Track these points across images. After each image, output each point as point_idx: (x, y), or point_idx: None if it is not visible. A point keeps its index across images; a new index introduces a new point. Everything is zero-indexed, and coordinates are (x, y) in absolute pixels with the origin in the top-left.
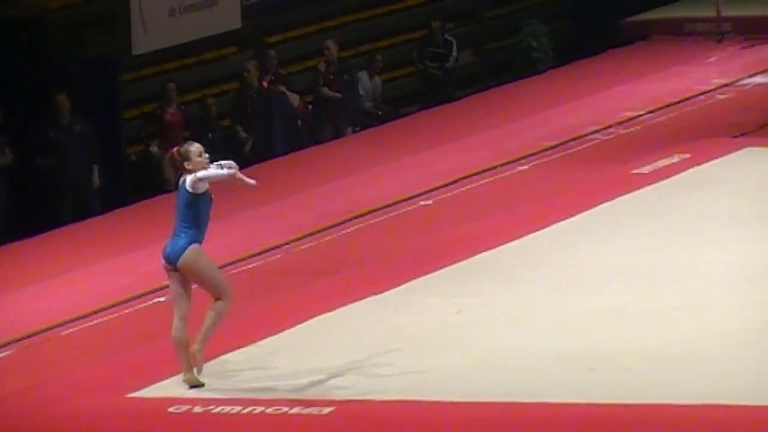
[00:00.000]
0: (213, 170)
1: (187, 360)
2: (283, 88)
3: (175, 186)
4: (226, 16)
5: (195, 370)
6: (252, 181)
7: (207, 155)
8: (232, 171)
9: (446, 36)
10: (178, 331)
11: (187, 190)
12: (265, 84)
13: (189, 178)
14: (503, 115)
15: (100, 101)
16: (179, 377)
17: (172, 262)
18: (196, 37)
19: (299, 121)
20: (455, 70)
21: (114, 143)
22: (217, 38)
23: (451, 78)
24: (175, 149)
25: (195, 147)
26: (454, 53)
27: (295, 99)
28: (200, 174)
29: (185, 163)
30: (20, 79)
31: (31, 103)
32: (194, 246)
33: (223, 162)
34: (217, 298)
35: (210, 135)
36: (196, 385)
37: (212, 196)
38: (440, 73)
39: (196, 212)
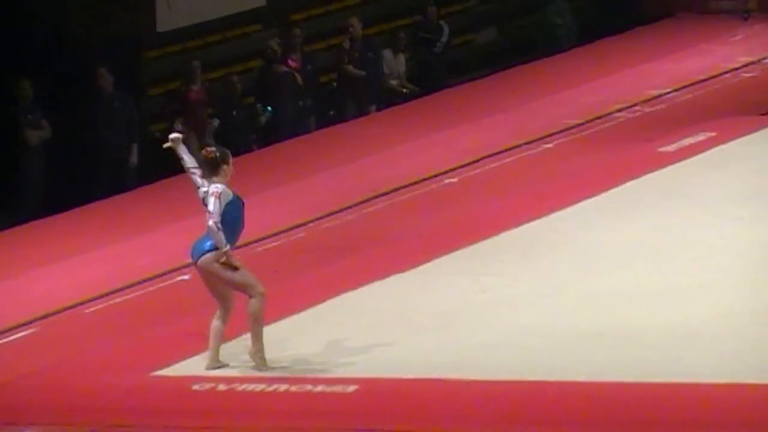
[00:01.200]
0: (219, 234)
1: (213, 349)
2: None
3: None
4: None
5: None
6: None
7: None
8: (227, 250)
9: (440, 21)
10: (215, 318)
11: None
12: (291, 62)
13: (212, 189)
14: (528, 93)
15: (124, 79)
16: (203, 355)
17: (195, 259)
18: (220, 14)
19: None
20: (446, 55)
21: (139, 121)
22: (241, 16)
23: (442, 63)
24: (212, 149)
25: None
26: (443, 39)
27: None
28: (211, 224)
29: (224, 166)
30: (50, 55)
31: (65, 78)
32: (217, 253)
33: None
34: (249, 296)
35: (234, 113)
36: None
37: (243, 200)
38: (429, 58)
39: (223, 218)
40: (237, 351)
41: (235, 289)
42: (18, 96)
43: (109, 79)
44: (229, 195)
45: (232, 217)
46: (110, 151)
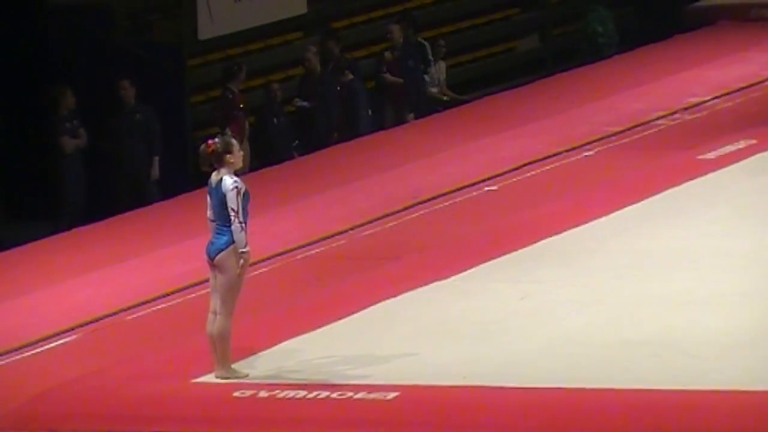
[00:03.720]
0: (241, 234)
1: (217, 355)
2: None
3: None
4: (291, 2)
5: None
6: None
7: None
8: (246, 252)
9: (420, 40)
10: (210, 324)
11: (223, 191)
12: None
13: (229, 185)
14: (569, 100)
15: (166, 87)
16: (244, 362)
17: (212, 258)
18: (262, 22)
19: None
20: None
21: (179, 129)
22: (283, 23)
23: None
24: (212, 140)
25: (234, 140)
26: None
27: None
28: (236, 225)
29: (227, 155)
30: (89, 66)
31: (100, 89)
32: (235, 247)
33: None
34: (215, 311)
35: (275, 120)
36: (228, 378)
37: (250, 193)
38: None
39: None
40: (278, 356)
41: (219, 291)
42: (58, 104)
43: (132, 92)
44: (244, 187)
45: (244, 211)
46: (129, 164)
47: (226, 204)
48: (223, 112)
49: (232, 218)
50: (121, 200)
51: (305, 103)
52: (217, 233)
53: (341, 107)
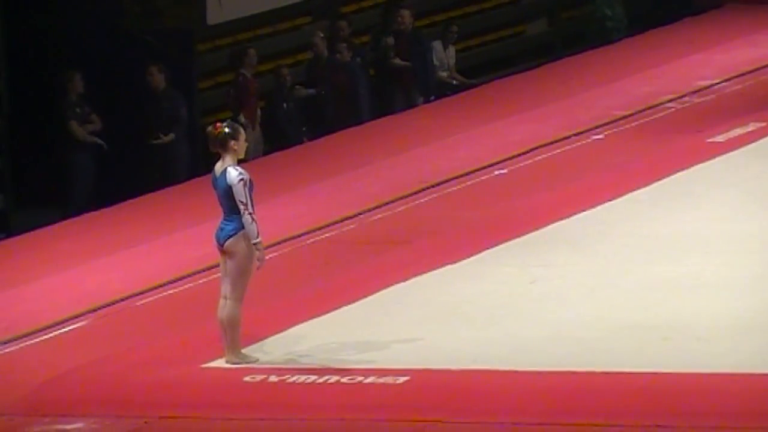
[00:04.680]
0: (252, 225)
1: (227, 340)
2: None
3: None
4: None
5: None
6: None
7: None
8: (259, 242)
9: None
10: (221, 309)
11: (227, 183)
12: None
13: (234, 178)
14: (578, 84)
15: (175, 72)
16: (254, 347)
17: (221, 244)
18: (271, 7)
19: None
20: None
21: (189, 114)
22: (291, 8)
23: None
24: (221, 123)
25: (243, 127)
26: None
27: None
28: (247, 217)
29: (232, 141)
30: (99, 52)
31: (110, 75)
32: (245, 232)
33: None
34: (225, 297)
35: (285, 105)
36: (237, 363)
37: (254, 182)
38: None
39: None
40: (288, 340)
41: (228, 277)
42: (67, 89)
43: (160, 77)
44: (248, 177)
45: (251, 201)
46: (161, 147)
47: (231, 194)
48: (236, 97)
49: (242, 210)
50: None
51: (311, 90)
52: (226, 220)
53: (341, 89)
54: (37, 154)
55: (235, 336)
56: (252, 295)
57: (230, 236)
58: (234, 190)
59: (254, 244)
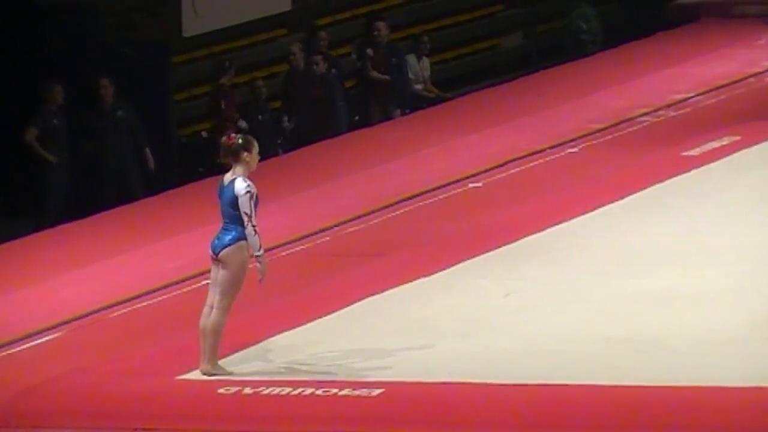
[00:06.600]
0: (255, 237)
1: (205, 350)
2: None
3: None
4: None
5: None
6: (261, 275)
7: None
8: (261, 255)
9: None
10: (205, 317)
11: (234, 193)
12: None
13: (241, 189)
14: (553, 97)
15: (151, 84)
16: (229, 359)
17: (216, 253)
18: (246, 19)
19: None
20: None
21: (164, 126)
22: (267, 20)
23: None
24: (235, 135)
25: (255, 141)
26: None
27: None
28: (250, 229)
29: (245, 153)
30: (72, 64)
31: (81, 88)
32: (243, 243)
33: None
34: (212, 305)
35: (260, 117)
36: (212, 374)
37: (259, 197)
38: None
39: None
40: (263, 353)
41: (219, 285)
42: (45, 100)
43: (111, 90)
44: (255, 191)
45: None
46: (114, 161)
47: (235, 204)
48: (214, 107)
49: (246, 222)
50: (106, 197)
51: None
52: (224, 230)
53: (318, 101)
54: (10, 165)
55: (215, 346)
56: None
57: (227, 246)
58: (239, 200)
59: (257, 256)
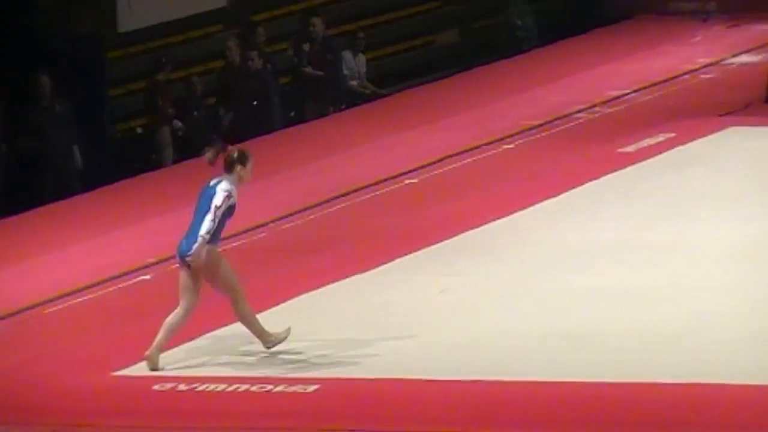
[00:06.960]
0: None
1: (160, 342)
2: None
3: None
4: None
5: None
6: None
7: None
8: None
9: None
10: (174, 315)
11: (215, 190)
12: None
13: (225, 189)
14: (489, 94)
15: (85, 79)
16: (165, 355)
17: (183, 258)
18: (182, 15)
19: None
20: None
21: (99, 121)
22: (203, 16)
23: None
24: (234, 146)
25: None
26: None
27: None
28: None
29: (239, 166)
30: (5, 59)
31: (17, 83)
32: (210, 247)
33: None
34: (231, 299)
35: (195, 113)
36: (154, 368)
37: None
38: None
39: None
40: (199, 348)
41: (219, 287)
42: None
43: (48, 87)
44: (234, 199)
45: (221, 225)
46: (54, 156)
47: (211, 201)
48: (150, 103)
49: (211, 210)
50: (45, 193)
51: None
52: (191, 234)
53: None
54: None
55: (168, 336)
56: (161, 304)
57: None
58: (217, 195)
59: (201, 236)
